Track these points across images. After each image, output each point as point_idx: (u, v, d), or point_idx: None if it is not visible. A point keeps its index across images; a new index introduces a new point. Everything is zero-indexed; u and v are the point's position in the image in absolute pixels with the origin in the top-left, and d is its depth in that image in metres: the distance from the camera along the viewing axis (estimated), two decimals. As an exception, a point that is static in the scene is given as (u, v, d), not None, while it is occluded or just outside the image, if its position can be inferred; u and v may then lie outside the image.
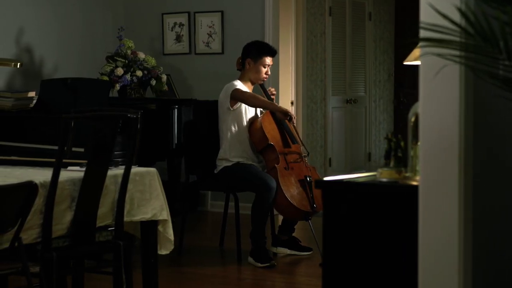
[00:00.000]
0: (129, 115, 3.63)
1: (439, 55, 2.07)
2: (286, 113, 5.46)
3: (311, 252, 5.59)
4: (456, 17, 2.11)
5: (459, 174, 2.24)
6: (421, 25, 2.15)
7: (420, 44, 2.16)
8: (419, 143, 2.68)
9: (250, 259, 5.32)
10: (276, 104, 5.59)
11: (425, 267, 2.32)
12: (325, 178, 2.78)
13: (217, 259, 5.69)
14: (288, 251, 5.59)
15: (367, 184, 2.70)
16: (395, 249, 2.60)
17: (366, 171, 9.18)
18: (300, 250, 5.60)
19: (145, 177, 3.87)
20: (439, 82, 2.24)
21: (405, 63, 3.38)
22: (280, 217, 5.69)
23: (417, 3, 9.03)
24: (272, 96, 5.69)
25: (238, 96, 5.42)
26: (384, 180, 2.69)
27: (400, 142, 2.74)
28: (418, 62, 3.39)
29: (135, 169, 3.82)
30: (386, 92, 9.61)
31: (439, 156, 2.28)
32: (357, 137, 9.12)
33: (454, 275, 2.26)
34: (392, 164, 2.72)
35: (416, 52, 3.26)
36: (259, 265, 5.25)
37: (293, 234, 5.64)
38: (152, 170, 3.95)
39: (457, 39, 2.06)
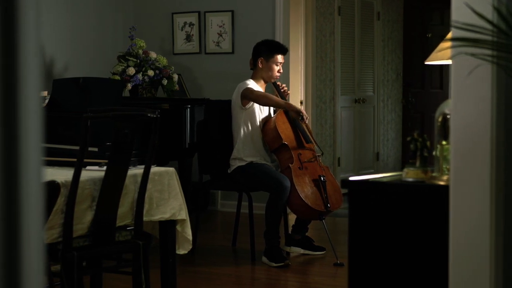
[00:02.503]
0: (149, 115, 3.63)
1: (472, 54, 2.07)
2: (298, 112, 5.46)
3: (325, 251, 5.59)
4: (489, 15, 2.11)
5: (491, 173, 2.24)
6: (454, 24, 2.15)
7: (452, 44, 2.16)
8: (444, 142, 2.68)
9: (264, 259, 5.32)
10: (288, 102, 5.59)
11: (456, 267, 2.32)
12: (351, 178, 2.78)
13: (231, 259, 5.69)
14: (302, 251, 5.59)
15: (394, 184, 2.70)
16: (422, 248, 2.60)
17: (375, 171, 9.22)
18: (313, 249, 5.60)
19: (164, 177, 3.87)
20: (470, 81, 2.24)
21: (426, 63, 3.37)
22: (294, 217, 5.68)
23: (425, 3, 9.04)
24: (285, 94, 5.69)
25: (249, 96, 5.42)
26: (410, 179, 2.69)
27: (426, 141, 2.74)
28: (438, 62, 3.39)
29: (154, 169, 3.82)
30: (394, 91, 9.60)
31: (470, 156, 2.27)
32: (365, 136, 9.12)
33: (486, 275, 2.25)
34: (418, 163, 2.72)
35: (438, 52, 3.25)
36: (273, 264, 5.25)
37: (307, 234, 5.64)
38: (171, 169, 3.95)
39: (489, 38, 2.06)
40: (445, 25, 9.92)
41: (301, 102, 8.15)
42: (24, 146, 0.97)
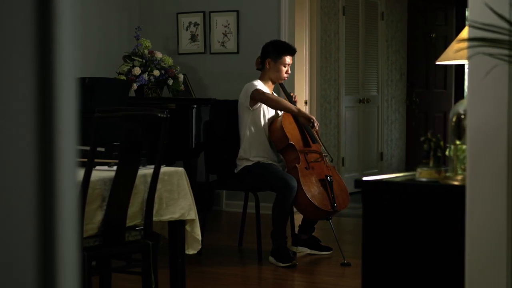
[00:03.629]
0: (159, 115, 3.63)
1: (490, 55, 2.07)
2: (309, 119, 5.43)
3: (331, 251, 5.59)
4: (507, 15, 2.10)
5: (507, 173, 2.24)
6: (471, 24, 2.14)
7: (470, 44, 2.15)
8: (458, 142, 2.68)
9: (271, 259, 5.32)
10: (299, 108, 5.55)
11: (472, 267, 2.32)
12: (364, 178, 2.78)
13: (237, 259, 5.68)
14: (308, 251, 5.59)
15: (408, 184, 2.70)
16: (436, 248, 2.59)
17: (379, 171, 9.21)
18: (320, 249, 5.60)
19: (173, 177, 3.87)
20: (487, 82, 2.23)
21: (437, 63, 3.36)
22: (300, 217, 5.68)
23: (429, 3, 9.02)
24: (294, 100, 5.69)
25: (260, 98, 5.41)
26: (424, 180, 2.69)
27: (440, 142, 2.73)
28: (450, 62, 3.39)
29: (163, 169, 3.81)
30: (398, 91, 9.60)
31: (486, 156, 2.27)
32: (369, 136, 9.12)
33: (502, 275, 2.25)
34: (431, 164, 2.72)
35: (449, 52, 3.25)
36: (281, 264, 5.24)
37: (313, 234, 5.64)
38: (180, 169, 3.95)
39: (507, 38, 2.06)
40: (449, 25, 9.92)
41: (306, 102, 8.16)
42: (60, 150, 0.97)
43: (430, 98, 9.75)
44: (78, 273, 0.99)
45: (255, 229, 5.55)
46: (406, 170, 9.54)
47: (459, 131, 2.64)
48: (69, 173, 0.96)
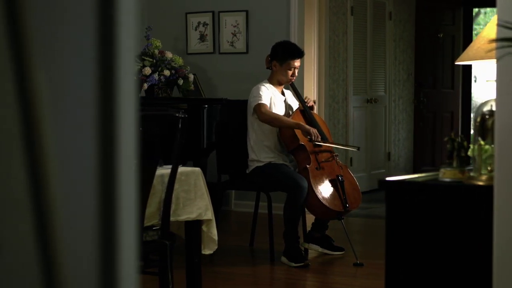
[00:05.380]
0: (176, 115, 3.63)
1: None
2: (309, 132, 5.37)
3: (343, 252, 5.58)
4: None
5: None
6: (501, 23, 2.14)
7: (499, 44, 2.15)
8: (482, 143, 2.68)
9: (284, 259, 5.31)
10: (298, 123, 5.46)
11: (500, 267, 2.31)
12: (388, 178, 2.78)
13: (249, 259, 5.68)
14: (320, 249, 5.57)
15: (432, 185, 2.69)
16: (460, 248, 2.59)
17: (386, 171, 9.21)
18: (332, 249, 5.58)
19: (190, 177, 3.87)
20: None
21: (456, 63, 3.36)
22: (312, 215, 5.67)
23: (436, 3, 9.01)
24: (308, 104, 5.65)
25: (260, 116, 5.35)
26: (448, 180, 2.69)
27: (464, 142, 2.73)
28: (469, 62, 3.39)
29: (180, 169, 3.81)
30: (406, 91, 9.59)
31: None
32: (377, 136, 9.11)
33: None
34: (455, 164, 2.71)
35: (469, 51, 3.24)
36: (293, 264, 5.24)
37: (326, 233, 5.63)
38: (197, 169, 3.95)
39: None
40: (456, 25, 9.92)
41: (314, 102, 8.13)
42: (120, 150, 0.97)
43: (437, 98, 9.75)
44: (137, 276, 1.00)
45: (266, 229, 5.55)
46: (414, 170, 9.54)
47: (483, 132, 2.64)
48: (129, 174, 0.96)
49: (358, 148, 5.87)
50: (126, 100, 0.98)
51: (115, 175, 0.96)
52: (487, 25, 3.25)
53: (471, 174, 2.66)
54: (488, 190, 2.52)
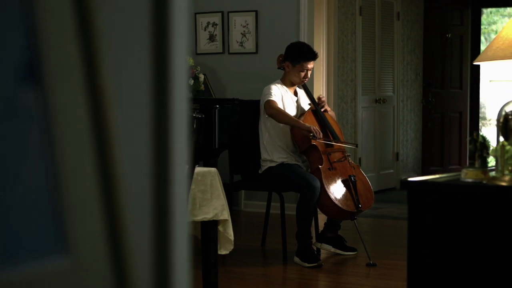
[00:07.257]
0: (194, 115, 3.63)
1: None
2: (309, 131, 5.36)
3: (356, 252, 5.58)
4: None
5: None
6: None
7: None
8: (505, 143, 2.67)
9: (297, 259, 5.31)
10: (300, 122, 5.43)
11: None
12: (410, 179, 2.78)
13: (262, 259, 5.68)
14: (332, 249, 5.57)
15: (455, 185, 2.69)
16: (483, 249, 2.59)
17: (394, 171, 9.21)
18: (344, 249, 5.58)
19: (206, 177, 3.87)
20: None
21: (474, 63, 3.36)
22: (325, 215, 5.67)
23: (445, 3, 9.01)
24: (322, 100, 5.66)
25: (267, 110, 5.38)
26: (470, 180, 2.68)
27: (486, 142, 2.73)
28: (488, 62, 3.39)
29: (196, 169, 3.81)
30: (414, 92, 9.59)
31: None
32: (385, 137, 9.11)
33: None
34: (477, 164, 2.71)
35: (488, 51, 3.24)
36: (306, 265, 5.24)
37: (339, 233, 5.62)
38: (213, 169, 3.95)
39: None
40: (465, 25, 9.91)
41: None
42: (174, 150, 0.98)
43: (446, 98, 9.74)
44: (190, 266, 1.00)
45: (277, 230, 5.55)
46: (422, 171, 9.54)
47: (507, 132, 2.63)
48: (182, 175, 0.97)
49: (356, 145, 5.85)
50: (180, 102, 0.99)
51: (169, 176, 0.96)
52: (506, 25, 3.24)
53: (494, 174, 2.66)
54: (510, 190, 2.52)
